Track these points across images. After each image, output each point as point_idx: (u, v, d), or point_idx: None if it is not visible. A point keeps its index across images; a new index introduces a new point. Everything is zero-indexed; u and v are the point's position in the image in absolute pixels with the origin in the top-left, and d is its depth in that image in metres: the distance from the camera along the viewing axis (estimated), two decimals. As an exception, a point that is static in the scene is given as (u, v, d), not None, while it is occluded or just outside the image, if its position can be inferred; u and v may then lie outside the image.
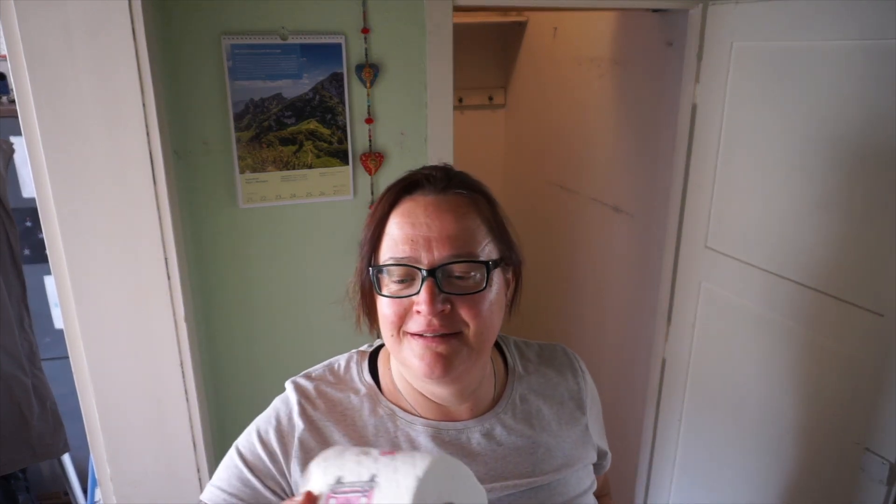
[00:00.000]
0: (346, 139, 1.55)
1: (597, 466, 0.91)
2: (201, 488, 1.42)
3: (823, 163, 1.39)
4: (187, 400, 1.35)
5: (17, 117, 1.16)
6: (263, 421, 0.79)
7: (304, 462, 0.74)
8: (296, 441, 0.75)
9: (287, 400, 0.79)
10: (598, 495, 0.95)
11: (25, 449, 1.77)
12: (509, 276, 0.80)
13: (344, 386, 0.81)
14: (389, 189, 0.77)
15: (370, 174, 1.59)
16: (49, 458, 1.89)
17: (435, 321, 0.69)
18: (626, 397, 2.23)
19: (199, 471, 1.41)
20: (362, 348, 0.87)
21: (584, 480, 0.83)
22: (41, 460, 1.86)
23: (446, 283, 0.70)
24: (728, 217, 1.66)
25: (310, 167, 1.54)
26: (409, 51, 1.54)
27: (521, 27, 2.76)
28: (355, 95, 1.53)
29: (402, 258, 0.70)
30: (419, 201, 0.73)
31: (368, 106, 1.55)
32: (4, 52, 1.25)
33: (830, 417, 1.42)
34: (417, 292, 0.69)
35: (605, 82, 2.21)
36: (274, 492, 0.75)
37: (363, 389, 0.80)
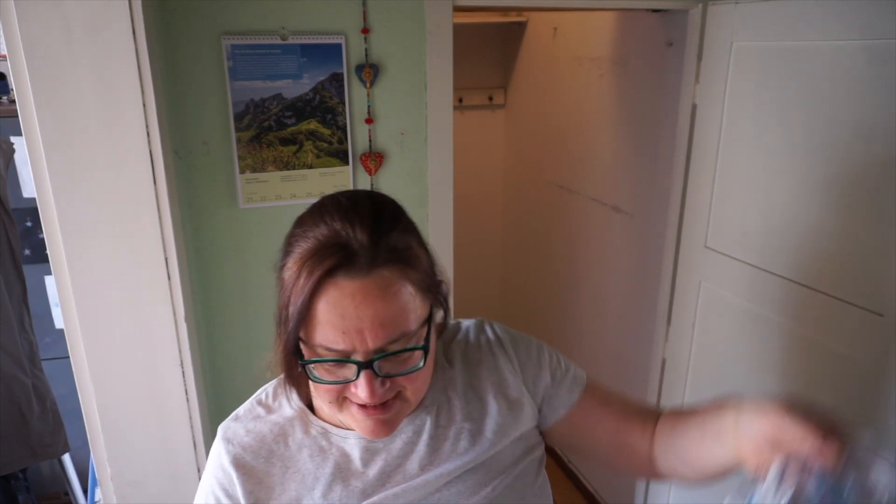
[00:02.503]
0: (346, 139, 1.55)
1: (568, 386, 0.85)
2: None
3: (823, 163, 1.39)
4: (187, 400, 1.35)
5: (17, 117, 1.16)
6: (208, 494, 0.79)
7: (255, 498, 0.75)
8: (238, 489, 0.76)
9: (218, 453, 0.79)
10: (605, 403, 0.87)
11: (25, 449, 1.77)
12: (440, 312, 0.76)
13: (274, 415, 0.81)
14: (307, 263, 0.66)
15: (370, 174, 1.59)
16: (49, 458, 1.89)
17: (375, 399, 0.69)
18: (626, 397, 2.23)
19: (199, 471, 1.41)
20: None
21: (520, 445, 0.82)
22: (41, 460, 1.86)
23: (383, 364, 0.67)
24: (728, 217, 1.66)
25: (310, 167, 1.54)
26: (409, 51, 1.54)
27: (521, 27, 2.76)
28: (355, 95, 1.53)
29: (337, 350, 0.66)
30: (345, 289, 0.64)
31: (368, 106, 1.55)
32: (4, 52, 1.25)
33: (830, 417, 1.42)
34: (356, 377, 0.67)
35: (605, 82, 2.21)
36: None
37: (293, 413, 0.81)
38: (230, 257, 1.54)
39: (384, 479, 0.77)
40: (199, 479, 1.40)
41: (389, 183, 1.61)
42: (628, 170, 2.13)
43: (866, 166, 1.30)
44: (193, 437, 1.38)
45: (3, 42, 1.16)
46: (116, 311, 1.27)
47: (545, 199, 2.71)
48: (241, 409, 0.83)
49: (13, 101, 1.37)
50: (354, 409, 0.71)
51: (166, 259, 1.27)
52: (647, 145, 2.01)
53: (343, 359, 0.66)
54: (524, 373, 0.85)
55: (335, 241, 0.66)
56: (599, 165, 2.30)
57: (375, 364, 0.67)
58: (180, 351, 1.32)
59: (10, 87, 2.15)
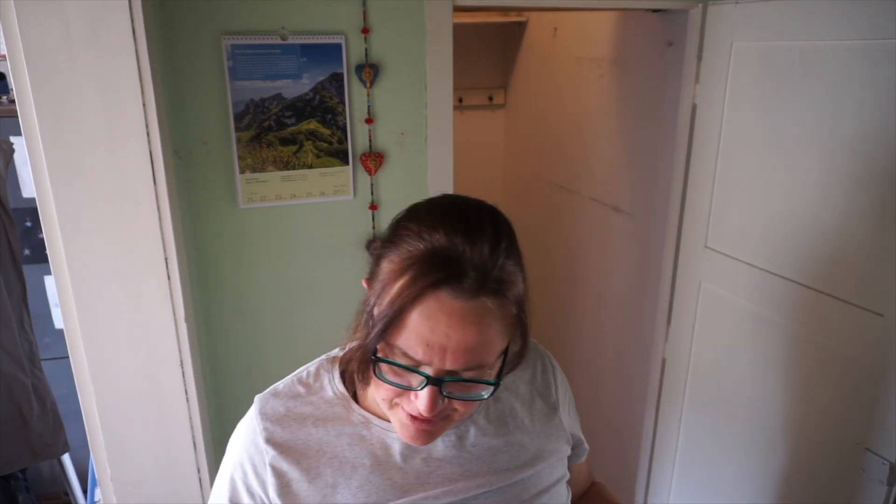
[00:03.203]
0: (346, 139, 1.55)
1: (574, 456, 0.92)
2: (201, 488, 1.42)
3: (823, 162, 1.39)
4: (187, 400, 1.35)
5: (17, 117, 1.16)
6: (236, 466, 0.78)
7: (281, 487, 0.75)
8: (268, 469, 0.75)
9: (253, 428, 0.78)
10: (580, 482, 1.00)
11: (25, 449, 1.77)
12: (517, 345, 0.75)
13: (314, 396, 0.80)
14: (414, 267, 0.65)
15: (370, 174, 1.59)
16: (49, 458, 1.88)
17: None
18: (626, 397, 2.23)
19: (199, 471, 1.41)
20: (333, 353, 0.85)
21: (556, 472, 0.84)
22: (41, 460, 1.85)
23: (450, 385, 0.67)
24: (728, 217, 1.66)
25: (310, 167, 1.54)
26: (409, 51, 1.54)
27: (521, 27, 2.76)
28: (355, 95, 1.53)
29: (413, 359, 0.66)
30: (444, 306, 0.64)
31: (368, 106, 1.55)
32: (4, 51, 1.25)
33: (830, 417, 1.42)
34: (420, 388, 0.67)
35: (605, 82, 2.21)
36: None
37: (334, 398, 0.80)
38: (230, 257, 1.54)
39: (423, 479, 0.76)
40: (199, 479, 1.41)
41: (389, 183, 1.61)
42: (628, 170, 2.13)
43: (866, 166, 1.30)
44: (193, 437, 1.38)
45: (3, 42, 1.16)
46: (116, 311, 1.27)
47: (545, 199, 2.71)
48: (280, 385, 0.82)
49: (13, 101, 1.37)
50: (402, 413, 0.71)
51: (166, 259, 1.27)
52: (647, 145, 2.01)
53: (414, 368, 0.66)
54: (565, 409, 0.89)
55: (450, 255, 0.65)
56: (599, 165, 2.30)
57: (443, 383, 0.66)
58: (180, 351, 1.32)
59: (9, 86, 2.15)
